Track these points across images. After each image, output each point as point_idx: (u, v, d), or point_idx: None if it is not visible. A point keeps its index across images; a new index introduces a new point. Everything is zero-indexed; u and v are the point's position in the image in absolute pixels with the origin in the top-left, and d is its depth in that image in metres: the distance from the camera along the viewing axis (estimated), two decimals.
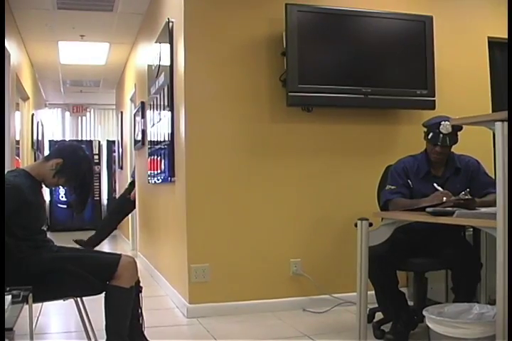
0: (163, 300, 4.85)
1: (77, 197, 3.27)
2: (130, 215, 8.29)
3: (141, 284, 3.23)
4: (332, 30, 4.46)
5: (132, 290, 3.09)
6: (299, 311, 4.35)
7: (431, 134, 3.62)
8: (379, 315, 3.74)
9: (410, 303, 3.78)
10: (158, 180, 5.42)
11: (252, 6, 4.44)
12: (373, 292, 3.56)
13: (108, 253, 3.50)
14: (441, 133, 3.57)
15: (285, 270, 4.45)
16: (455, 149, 3.75)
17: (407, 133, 4.61)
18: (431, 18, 4.64)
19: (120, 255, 3.14)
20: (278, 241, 4.44)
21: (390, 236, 3.30)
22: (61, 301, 3.16)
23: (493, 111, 4.94)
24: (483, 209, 3.02)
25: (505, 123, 2.42)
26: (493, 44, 5.19)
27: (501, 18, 5.11)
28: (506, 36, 5.08)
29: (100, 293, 3.05)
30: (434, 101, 4.56)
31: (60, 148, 3.31)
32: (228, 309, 4.24)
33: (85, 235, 7.75)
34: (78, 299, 3.16)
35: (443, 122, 3.57)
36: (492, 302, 2.83)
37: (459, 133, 3.62)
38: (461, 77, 4.95)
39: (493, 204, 2.53)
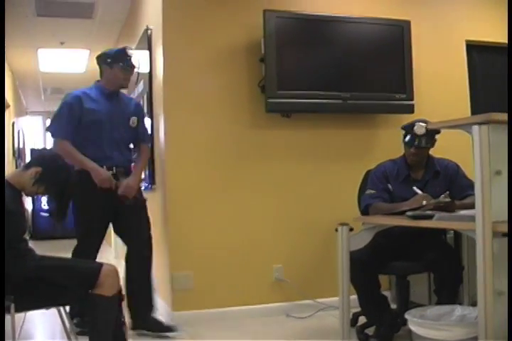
0: None
1: (56, 205, 3.26)
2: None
3: (123, 292, 3.21)
4: (310, 36, 4.47)
5: (114, 299, 3.07)
6: (282, 317, 4.35)
7: (407, 137, 3.65)
8: (362, 319, 3.76)
9: (393, 306, 3.80)
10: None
11: (230, 12, 4.45)
12: (356, 296, 3.57)
13: (89, 262, 3.48)
14: (416, 134, 3.61)
15: (267, 276, 4.45)
16: (435, 152, 3.78)
17: (387, 137, 4.63)
18: (408, 23, 4.67)
19: (101, 264, 3.12)
20: (260, 247, 4.44)
21: (371, 240, 3.32)
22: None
23: (472, 114, 4.98)
24: (462, 212, 3.03)
25: (483, 127, 2.44)
26: (472, 47, 5.24)
27: (479, 22, 5.20)
28: (484, 39, 5.19)
29: (83, 301, 3.04)
30: (413, 105, 4.59)
31: (39, 157, 3.29)
32: (212, 316, 4.23)
33: (69, 243, 7.69)
34: (61, 308, 3.15)
35: (417, 123, 3.60)
36: (474, 303, 2.84)
37: (437, 136, 3.65)
38: (439, 81, 4.99)
39: (472, 206, 2.55)
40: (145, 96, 4.90)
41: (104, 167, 3.84)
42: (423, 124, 3.60)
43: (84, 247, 3.95)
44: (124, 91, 4.24)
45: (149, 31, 4.79)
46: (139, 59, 5.07)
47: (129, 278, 3.95)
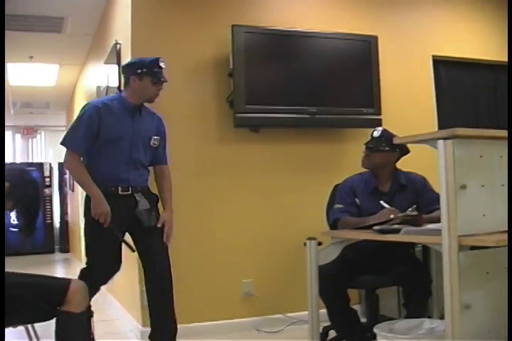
0: (116, 324, 4.79)
1: (24, 221, 3.23)
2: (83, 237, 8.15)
3: (92, 308, 3.18)
4: (278, 51, 4.50)
5: (83, 316, 3.03)
6: (253, 331, 4.34)
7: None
8: (332, 333, 3.75)
9: (363, 320, 3.81)
10: None
11: (198, 27, 4.46)
12: (326, 310, 3.58)
13: (58, 278, 3.44)
14: (372, 136, 3.75)
15: (237, 290, 4.44)
16: (403, 166, 3.82)
17: (355, 151, 4.62)
18: (376, 38, 4.73)
19: (70, 280, 3.09)
20: (229, 262, 4.43)
21: (340, 254, 3.34)
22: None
23: (439, 128, 5.04)
24: (429, 226, 3.07)
25: (448, 142, 2.48)
26: (438, 62, 5.32)
27: (445, 38, 5.29)
28: (450, 55, 5.26)
29: (51, 319, 3.00)
30: (381, 119, 4.63)
31: (7, 172, 3.26)
32: (181, 331, 4.16)
33: (38, 259, 7.60)
34: (29, 326, 3.10)
35: (378, 127, 3.70)
36: (443, 316, 2.86)
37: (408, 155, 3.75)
38: (407, 96, 5.05)
39: (439, 220, 2.58)
40: None
41: (120, 188, 3.56)
42: (380, 128, 3.77)
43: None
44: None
45: (118, 46, 4.77)
46: (109, 74, 5.07)
47: (150, 311, 3.73)
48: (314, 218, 4.17)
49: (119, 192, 3.56)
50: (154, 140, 3.72)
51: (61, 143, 3.60)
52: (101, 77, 5.68)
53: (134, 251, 3.62)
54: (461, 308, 2.45)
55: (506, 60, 5.55)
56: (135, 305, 4.33)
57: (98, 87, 5.88)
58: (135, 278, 4.28)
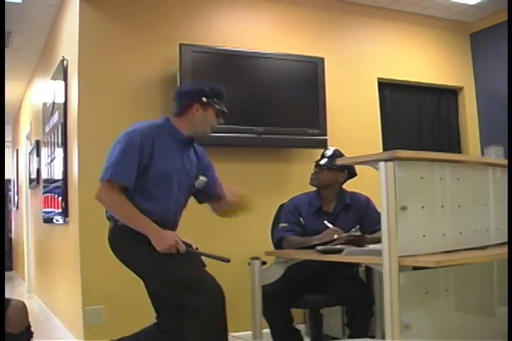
0: None
1: None
2: (26, 256, 8.02)
3: (32, 329, 3.11)
4: (226, 70, 4.53)
5: (22, 336, 2.98)
6: None
7: None
8: None
9: (307, 340, 3.82)
10: (52, 220, 5.28)
11: (147, 45, 4.46)
12: (270, 330, 3.57)
13: None
14: (323, 154, 3.81)
15: None
16: (348, 186, 3.86)
17: (301, 171, 4.67)
18: (322, 60, 4.80)
19: (9, 299, 3.03)
20: None
21: (284, 274, 3.35)
22: None
23: (383, 149, 5.12)
24: (371, 246, 3.10)
25: (389, 163, 2.51)
26: (383, 85, 5.42)
27: (389, 61, 5.40)
28: (394, 77, 5.37)
29: None
30: (326, 140, 4.68)
31: None
32: None
33: None
34: None
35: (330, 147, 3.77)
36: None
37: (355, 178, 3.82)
38: (353, 117, 5.13)
39: (381, 240, 2.61)
40: (59, 127, 4.82)
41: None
42: (332, 148, 3.84)
43: None
44: None
45: (65, 62, 4.73)
46: (56, 90, 5.02)
47: None
48: (259, 238, 4.17)
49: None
50: (200, 181, 3.17)
51: (104, 177, 2.86)
52: (47, 93, 5.62)
53: (229, 261, 3.10)
54: (401, 328, 2.47)
55: (449, 83, 5.71)
56: (78, 325, 4.25)
57: (44, 104, 5.82)
58: (78, 298, 4.21)
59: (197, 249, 3.05)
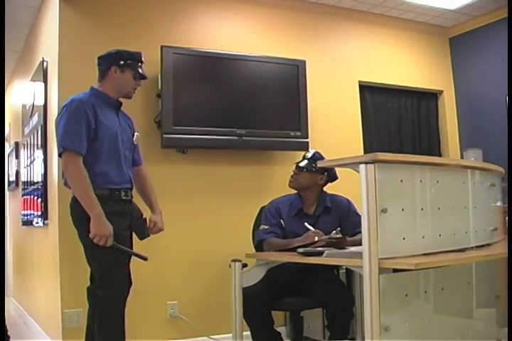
0: None
1: None
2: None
3: (8, 333, 3.09)
4: (207, 72, 4.52)
5: None
6: None
7: None
8: None
9: None
10: (31, 222, 5.24)
11: (127, 47, 4.37)
12: (250, 332, 3.56)
13: None
14: (303, 156, 3.85)
15: (162, 312, 4.37)
16: (329, 188, 3.87)
17: (282, 173, 4.66)
18: (304, 62, 4.81)
19: None
20: (154, 283, 4.36)
21: (265, 276, 3.35)
22: None
23: (364, 152, 5.14)
24: (352, 249, 3.11)
25: (369, 166, 2.52)
26: (364, 88, 5.46)
27: (371, 64, 5.43)
28: (375, 81, 5.40)
29: None
30: (308, 142, 4.70)
31: None
32: None
33: None
34: None
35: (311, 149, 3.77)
36: None
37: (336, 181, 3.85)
38: (334, 119, 5.15)
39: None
40: (39, 129, 4.79)
41: (122, 192, 3.19)
42: (313, 150, 3.90)
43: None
44: None
45: (45, 63, 4.70)
46: (36, 91, 4.98)
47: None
48: (240, 240, 4.17)
49: (122, 197, 3.22)
50: (136, 136, 3.46)
51: (60, 146, 3.08)
52: (27, 95, 5.57)
53: (146, 259, 3.34)
54: (381, 330, 2.48)
55: (429, 87, 5.75)
56: (56, 329, 4.21)
57: (24, 105, 5.77)
58: (57, 301, 4.17)
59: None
